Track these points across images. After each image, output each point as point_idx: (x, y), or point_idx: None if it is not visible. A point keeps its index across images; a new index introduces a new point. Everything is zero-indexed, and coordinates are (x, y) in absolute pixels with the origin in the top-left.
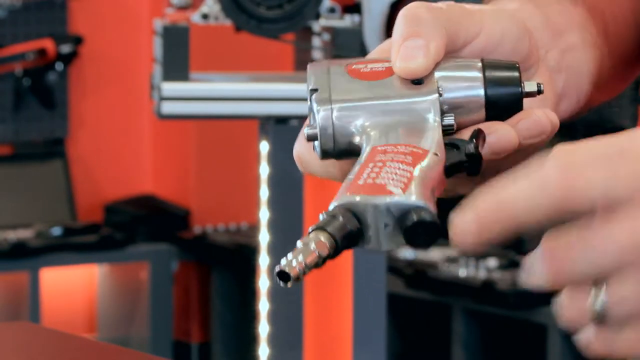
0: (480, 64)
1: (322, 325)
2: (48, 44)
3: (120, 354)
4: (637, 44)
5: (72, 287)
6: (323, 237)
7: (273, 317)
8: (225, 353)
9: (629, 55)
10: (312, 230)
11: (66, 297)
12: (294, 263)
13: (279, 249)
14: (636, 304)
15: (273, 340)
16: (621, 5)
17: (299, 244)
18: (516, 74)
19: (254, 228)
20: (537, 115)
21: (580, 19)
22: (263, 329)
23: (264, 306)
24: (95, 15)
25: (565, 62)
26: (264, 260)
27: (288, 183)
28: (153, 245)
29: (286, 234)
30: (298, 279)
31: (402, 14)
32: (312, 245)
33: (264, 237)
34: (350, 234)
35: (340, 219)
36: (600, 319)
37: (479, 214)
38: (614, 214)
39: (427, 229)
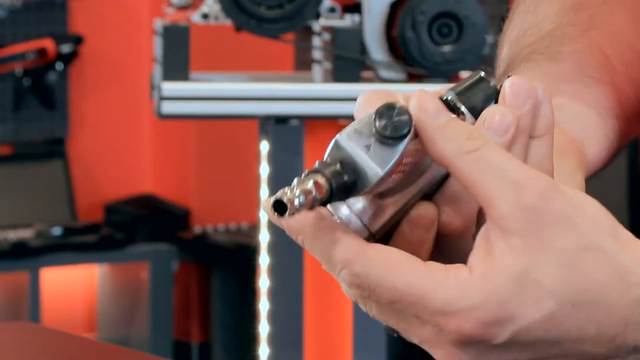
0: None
1: (322, 325)
2: (48, 44)
3: (120, 354)
4: None
5: (72, 287)
6: (320, 180)
7: (273, 317)
8: (225, 353)
9: None
10: (310, 172)
11: (66, 297)
12: (291, 195)
13: (279, 249)
14: None
15: (273, 340)
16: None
17: (295, 181)
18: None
19: (254, 228)
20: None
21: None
22: (263, 328)
23: (264, 306)
24: (95, 15)
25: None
26: (264, 260)
27: (288, 183)
28: (153, 245)
29: (286, 234)
30: (293, 213)
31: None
32: (310, 185)
33: (264, 237)
34: (345, 184)
35: (338, 166)
36: None
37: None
38: None
39: (399, 115)
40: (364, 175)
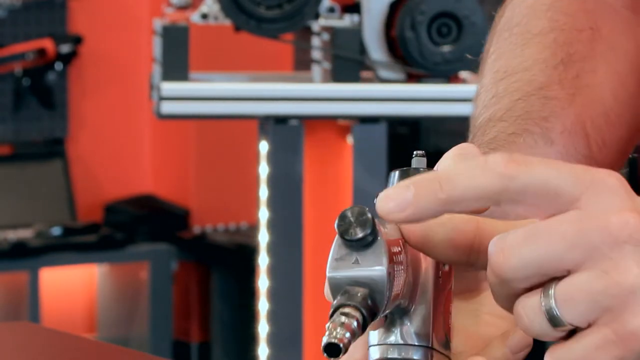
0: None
1: (322, 325)
2: (48, 44)
3: (120, 354)
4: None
5: (72, 287)
6: (349, 310)
7: (273, 317)
8: (225, 353)
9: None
10: (335, 310)
11: (66, 297)
12: (340, 335)
13: (278, 249)
14: (586, 307)
15: (273, 340)
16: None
17: (330, 324)
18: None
19: (254, 228)
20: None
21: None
22: (263, 329)
23: (263, 306)
24: (95, 15)
25: None
26: (263, 260)
27: (288, 183)
28: (153, 245)
29: (286, 234)
30: (346, 350)
31: None
32: (344, 319)
33: (263, 237)
34: (368, 305)
35: (352, 295)
36: (553, 321)
37: (416, 182)
38: (560, 209)
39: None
40: (374, 285)
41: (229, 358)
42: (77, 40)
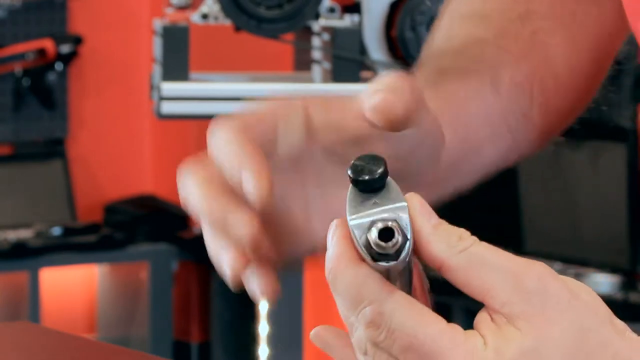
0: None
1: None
2: (48, 44)
3: (120, 354)
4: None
5: (72, 287)
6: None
7: (273, 317)
8: (225, 353)
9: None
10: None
11: (66, 297)
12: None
13: None
14: None
15: (273, 340)
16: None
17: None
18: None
19: None
20: None
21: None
22: (263, 328)
23: (263, 306)
24: (95, 15)
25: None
26: None
27: None
28: (153, 245)
29: None
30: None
31: None
32: (394, 223)
33: None
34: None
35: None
36: None
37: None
38: None
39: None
40: (400, 220)
41: (229, 358)
42: (77, 41)
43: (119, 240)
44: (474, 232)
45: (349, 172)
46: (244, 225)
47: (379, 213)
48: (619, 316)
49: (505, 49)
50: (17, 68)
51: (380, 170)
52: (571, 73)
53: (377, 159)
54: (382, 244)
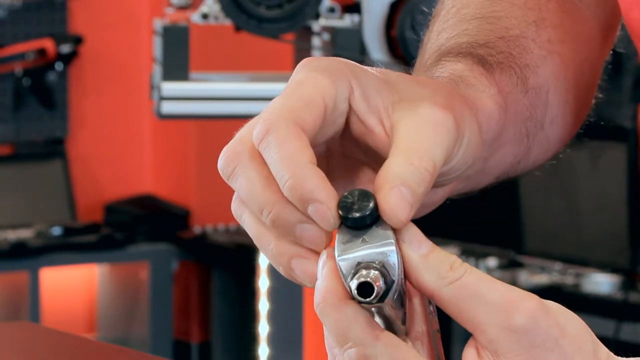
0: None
1: (322, 325)
2: (48, 44)
3: (120, 354)
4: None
5: (72, 287)
6: (375, 273)
7: (273, 317)
8: (225, 353)
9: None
10: (360, 268)
11: (66, 297)
12: (374, 277)
13: None
14: None
15: (273, 340)
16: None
17: (362, 271)
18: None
19: None
20: None
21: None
22: (263, 328)
23: (263, 306)
24: (95, 15)
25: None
26: (263, 260)
27: None
28: (153, 245)
29: None
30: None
31: None
32: (372, 274)
33: None
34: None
35: (371, 267)
36: None
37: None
38: None
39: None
40: (386, 260)
41: (229, 358)
42: (77, 40)
43: (119, 240)
44: (474, 232)
45: (339, 207)
46: (318, 238)
47: (367, 250)
48: (619, 316)
49: (528, 51)
50: (17, 68)
51: (370, 206)
52: (577, 85)
53: (366, 195)
54: (361, 299)
